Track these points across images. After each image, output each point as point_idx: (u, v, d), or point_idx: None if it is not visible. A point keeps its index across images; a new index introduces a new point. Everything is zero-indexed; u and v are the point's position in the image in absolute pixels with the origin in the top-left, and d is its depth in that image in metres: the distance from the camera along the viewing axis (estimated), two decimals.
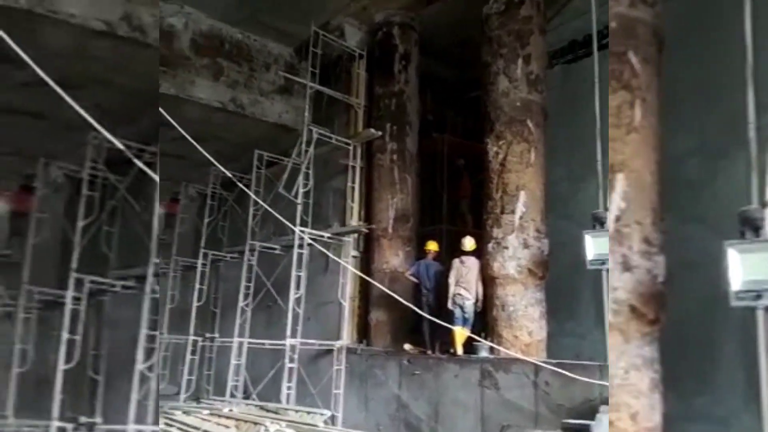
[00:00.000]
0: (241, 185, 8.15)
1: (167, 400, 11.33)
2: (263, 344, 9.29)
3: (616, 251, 4.94)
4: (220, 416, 8.44)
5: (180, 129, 5.77)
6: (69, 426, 6.96)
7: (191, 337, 11.26)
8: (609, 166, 5.09)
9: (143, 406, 6.43)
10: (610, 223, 5.02)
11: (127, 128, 6.54)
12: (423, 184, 9.99)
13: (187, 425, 8.42)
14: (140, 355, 6.46)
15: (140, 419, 6.25)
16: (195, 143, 5.90)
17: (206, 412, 8.83)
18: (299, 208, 8.97)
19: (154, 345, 6.59)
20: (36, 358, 7.99)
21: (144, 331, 6.52)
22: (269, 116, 10.31)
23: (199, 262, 11.58)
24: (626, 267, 4.91)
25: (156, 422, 6.56)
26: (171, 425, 8.72)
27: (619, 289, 4.88)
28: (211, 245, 11.84)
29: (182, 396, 10.93)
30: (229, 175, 7.47)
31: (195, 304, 11.33)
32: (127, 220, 7.83)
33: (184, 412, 9.21)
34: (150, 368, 6.50)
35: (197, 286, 11.42)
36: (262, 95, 10.21)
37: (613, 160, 5.06)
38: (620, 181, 5.01)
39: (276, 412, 8.33)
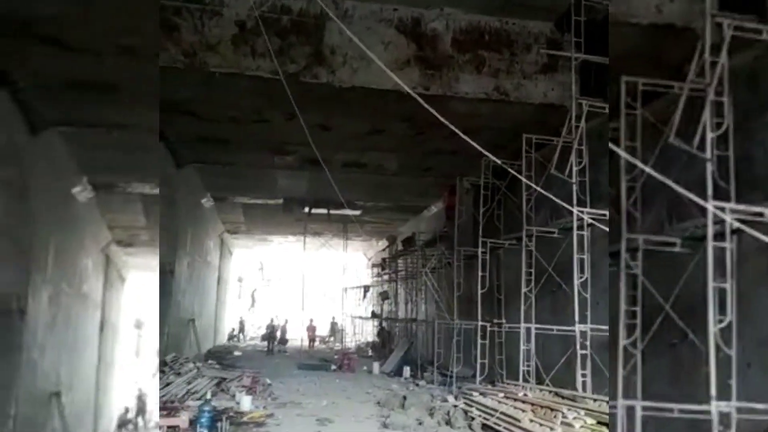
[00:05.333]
0: (512, 171, 8.18)
1: (464, 382, 12.09)
2: (551, 330, 9.12)
3: None
4: (515, 400, 8.60)
5: (450, 125, 6.05)
6: (487, 324, 11.82)
7: (479, 323, 11.76)
8: None
9: (527, 313, 10.26)
10: None
11: (502, 152, 9.81)
12: None
13: (485, 406, 8.83)
14: (523, 284, 10.29)
15: (527, 320, 10.18)
16: (464, 137, 6.11)
17: (501, 395, 9.10)
18: (575, 187, 8.53)
19: (530, 277, 10.29)
20: (465, 286, 13.48)
21: (524, 269, 10.34)
22: (534, 98, 10.07)
23: (479, 250, 12.01)
24: None
25: (529, 320, 10.20)
26: (470, 405, 9.27)
27: None
28: (488, 234, 12.19)
29: (477, 378, 11.49)
30: (499, 162, 7.58)
31: (479, 291, 11.80)
32: (507, 205, 12.47)
33: (481, 394, 9.67)
34: (530, 291, 10.29)
35: (479, 273, 11.88)
36: (525, 78, 10.02)
37: None
38: None
39: (573, 400, 8.07)
